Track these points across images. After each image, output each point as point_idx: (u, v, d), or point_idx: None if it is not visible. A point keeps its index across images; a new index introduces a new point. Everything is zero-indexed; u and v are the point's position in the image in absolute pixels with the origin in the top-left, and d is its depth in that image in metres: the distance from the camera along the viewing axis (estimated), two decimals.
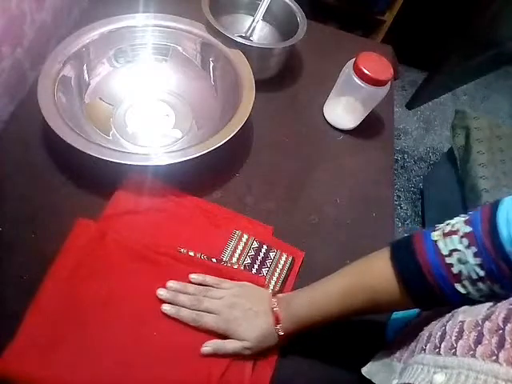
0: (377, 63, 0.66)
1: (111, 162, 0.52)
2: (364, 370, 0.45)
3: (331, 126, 0.76)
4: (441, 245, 0.38)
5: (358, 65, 0.64)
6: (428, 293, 0.39)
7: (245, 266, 0.55)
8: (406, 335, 0.44)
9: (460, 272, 0.36)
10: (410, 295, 0.41)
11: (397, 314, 0.56)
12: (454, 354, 0.31)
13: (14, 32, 0.61)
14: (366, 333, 0.54)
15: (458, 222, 0.38)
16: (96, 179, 0.59)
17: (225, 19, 0.76)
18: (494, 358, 0.27)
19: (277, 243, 0.58)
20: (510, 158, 1.40)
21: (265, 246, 0.57)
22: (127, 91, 0.69)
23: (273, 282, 0.55)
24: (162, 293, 0.50)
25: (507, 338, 0.28)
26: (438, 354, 0.32)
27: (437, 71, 1.93)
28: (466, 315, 0.34)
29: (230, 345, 0.47)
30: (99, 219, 0.55)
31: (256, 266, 0.56)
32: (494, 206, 0.36)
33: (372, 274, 0.44)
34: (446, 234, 0.38)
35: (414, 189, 1.85)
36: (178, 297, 0.50)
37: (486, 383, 0.26)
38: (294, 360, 0.51)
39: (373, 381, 0.42)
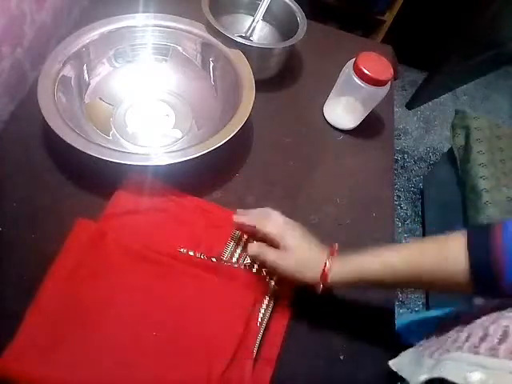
0: (377, 63, 0.66)
1: (111, 162, 0.52)
2: (391, 363, 0.45)
3: (331, 126, 0.76)
4: None
5: (358, 65, 0.64)
6: (495, 289, 0.38)
7: (245, 265, 0.55)
8: (439, 335, 0.44)
9: None
10: (475, 282, 0.40)
11: (406, 316, 0.56)
12: (495, 355, 0.31)
13: (14, 32, 0.61)
14: (367, 331, 0.54)
15: None
16: (96, 179, 0.59)
17: (225, 19, 0.76)
18: None
19: None
20: (510, 157, 1.40)
21: None
22: (127, 91, 0.69)
23: (273, 282, 0.55)
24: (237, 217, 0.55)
25: None
26: (477, 353, 0.32)
27: (437, 71, 1.93)
28: (511, 320, 0.34)
29: (272, 253, 0.49)
30: (99, 219, 0.55)
31: (256, 266, 0.55)
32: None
33: (445, 254, 0.43)
34: None
35: (414, 189, 1.85)
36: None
37: None
38: (293, 359, 0.51)
39: (400, 374, 0.42)
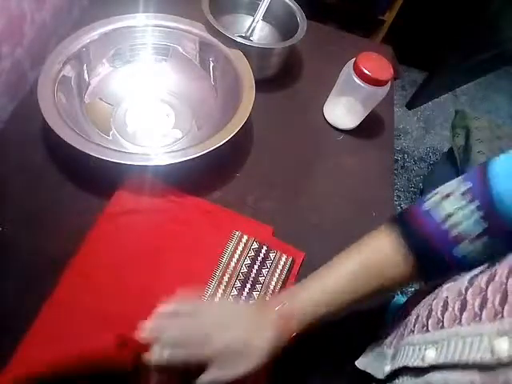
0: (377, 63, 0.66)
1: (111, 161, 0.52)
2: (357, 362, 0.45)
3: (331, 125, 0.75)
4: (437, 211, 0.38)
5: (358, 65, 0.64)
6: (434, 261, 0.39)
7: (245, 266, 0.55)
8: (394, 323, 0.44)
9: (459, 233, 0.37)
10: (419, 265, 0.40)
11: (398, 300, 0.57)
12: (442, 327, 0.31)
13: (13, 32, 0.61)
14: (366, 331, 0.54)
15: (453, 184, 0.38)
16: (96, 179, 0.59)
17: (225, 19, 0.76)
18: (478, 318, 0.28)
19: (277, 244, 0.58)
20: None
21: (265, 247, 0.57)
22: (127, 91, 0.69)
23: (273, 283, 0.55)
24: (145, 330, 0.39)
25: (489, 297, 0.28)
26: (427, 331, 0.33)
27: (437, 71, 1.93)
28: (449, 291, 0.34)
29: (237, 369, 0.39)
30: (99, 219, 0.55)
31: (256, 267, 0.56)
32: (488, 162, 0.37)
33: (378, 254, 0.43)
34: (442, 198, 0.38)
35: (414, 189, 1.85)
36: (165, 323, 0.40)
37: (472, 344, 0.27)
38: (292, 355, 0.51)
39: (367, 371, 0.42)
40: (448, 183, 0.40)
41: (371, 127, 0.77)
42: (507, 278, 0.28)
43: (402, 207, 1.78)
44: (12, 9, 0.59)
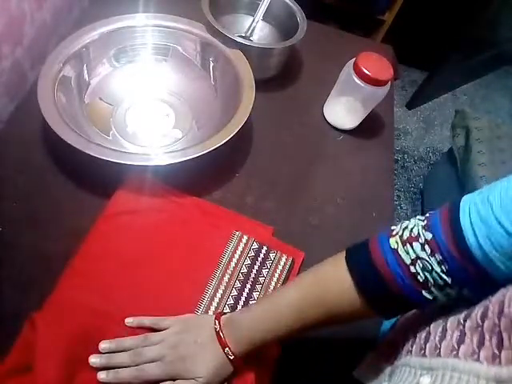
0: (377, 63, 0.66)
1: (111, 162, 0.52)
2: (356, 373, 0.45)
3: (331, 126, 0.75)
4: (402, 253, 0.36)
5: (358, 65, 0.64)
6: (392, 302, 0.37)
7: (245, 266, 0.55)
8: (393, 337, 0.44)
9: (426, 280, 0.35)
10: (372, 306, 0.39)
11: None
12: (439, 354, 0.31)
13: (13, 32, 0.61)
14: (366, 331, 0.54)
15: (416, 226, 0.36)
16: (96, 179, 0.59)
17: (225, 19, 0.76)
18: (476, 356, 0.27)
19: (277, 244, 0.58)
20: (510, 158, 1.40)
21: (265, 247, 0.57)
22: (127, 91, 0.69)
23: (273, 283, 0.55)
24: (94, 360, 0.43)
25: (486, 335, 0.27)
26: (424, 355, 0.32)
27: (437, 71, 1.93)
28: (448, 315, 0.34)
29: None
30: (99, 219, 0.55)
31: (256, 267, 0.56)
32: (454, 210, 0.34)
33: (327, 285, 0.41)
34: (405, 241, 0.36)
35: (414, 189, 1.85)
36: (114, 358, 0.44)
37: (469, 383, 0.26)
38: (290, 363, 0.51)
39: (364, 382, 0.42)
40: (409, 224, 0.37)
41: (371, 127, 0.77)
42: (499, 319, 0.27)
43: (401, 207, 1.78)
44: (12, 9, 0.59)
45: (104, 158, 0.52)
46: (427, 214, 0.37)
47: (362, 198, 0.68)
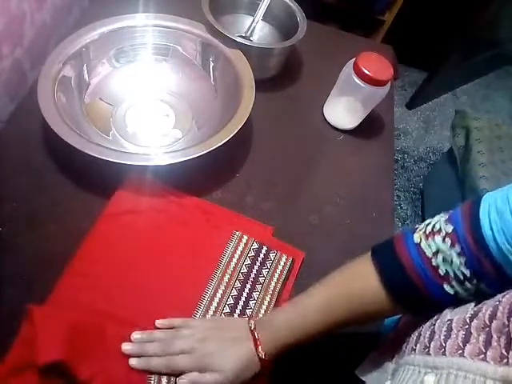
0: (377, 63, 0.66)
1: (111, 162, 0.52)
2: (358, 371, 0.45)
3: (331, 126, 0.75)
4: (424, 247, 0.37)
5: (358, 65, 0.64)
6: (416, 296, 0.38)
7: (245, 266, 0.55)
8: (397, 334, 0.44)
9: (447, 273, 0.36)
10: (397, 301, 0.40)
11: None
12: (444, 353, 0.31)
13: (13, 32, 0.61)
14: (366, 330, 0.54)
15: (439, 222, 0.38)
16: (96, 179, 0.59)
17: (225, 19, 0.76)
18: (482, 356, 0.27)
19: (277, 244, 0.58)
20: (510, 158, 1.40)
21: (265, 247, 0.57)
22: (127, 91, 0.69)
23: (273, 283, 0.55)
24: (127, 347, 0.45)
25: (494, 335, 0.27)
26: (428, 354, 0.32)
27: (437, 71, 1.93)
28: (453, 314, 0.34)
29: (208, 378, 0.43)
30: (99, 219, 0.55)
31: (256, 267, 0.56)
32: (476, 203, 0.36)
33: (356, 282, 0.43)
34: (428, 235, 0.37)
35: (414, 189, 1.85)
36: (146, 347, 0.45)
37: (475, 382, 0.26)
38: (291, 361, 0.51)
39: (366, 382, 0.42)
40: (433, 220, 0.39)
41: (371, 127, 0.77)
42: (508, 320, 0.27)
43: (401, 207, 1.78)
44: (12, 9, 0.59)
45: (104, 158, 0.52)
46: (450, 211, 0.38)
47: (362, 198, 0.68)
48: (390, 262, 0.39)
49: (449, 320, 0.33)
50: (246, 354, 0.44)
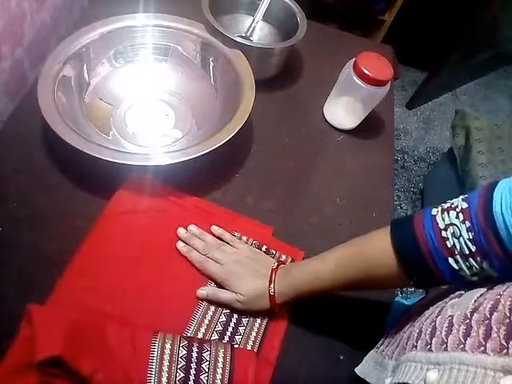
0: (377, 63, 0.66)
1: (111, 162, 0.52)
2: (357, 370, 0.45)
3: (331, 126, 0.75)
4: (439, 219, 0.39)
5: (358, 65, 0.64)
6: (421, 265, 0.40)
7: None
8: (396, 332, 0.44)
9: (454, 246, 0.37)
10: (403, 266, 0.41)
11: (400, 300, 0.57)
12: (445, 349, 0.31)
13: (14, 32, 0.61)
14: (366, 331, 0.54)
15: (457, 200, 0.40)
16: (96, 179, 0.59)
17: (225, 19, 0.76)
18: (482, 348, 0.27)
19: (276, 244, 0.58)
20: (510, 158, 1.40)
21: (264, 247, 0.57)
22: (127, 91, 0.69)
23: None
24: (181, 231, 0.55)
25: (494, 327, 0.28)
26: (430, 350, 0.33)
27: (437, 71, 1.93)
28: (454, 309, 0.34)
29: (223, 294, 0.51)
30: (99, 219, 0.55)
31: None
32: (493, 184, 0.37)
33: (370, 244, 0.46)
34: (444, 210, 0.39)
35: (414, 189, 1.85)
36: (194, 239, 0.55)
37: (476, 375, 0.26)
38: (293, 359, 0.51)
39: (367, 380, 0.42)
40: (453, 200, 0.40)
41: (371, 127, 0.77)
42: (510, 311, 0.28)
43: (401, 207, 1.78)
44: (12, 9, 0.59)
45: (104, 158, 0.52)
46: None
47: (362, 198, 0.68)
48: (404, 229, 0.42)
49: (450, 316, 0.33)
50: (261, 288, 0.50)
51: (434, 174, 1.78)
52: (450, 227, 0.38)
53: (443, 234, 0.38)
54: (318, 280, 0.48)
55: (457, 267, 0.38)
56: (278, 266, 0.52)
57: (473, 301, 0.33)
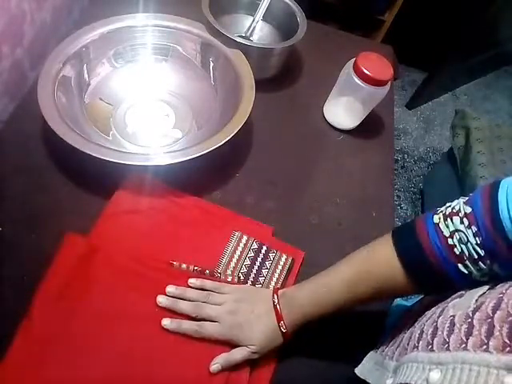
0: (377, 63, 0.66)
1: (111, 161, 0.52)
2: (357, 370, 0.45)
3: (331, 126, 0.75)
4: (442, 226, 0.38)
5: (358, 65, 0.64)
6: (431, 275, 0.39)
7: (244, 266, 0.55)
8: (397, 332, 0.44)
9: (462, 252, 0.37)
10: (412, 278, 0.41)
11: (399, 301, 0.57)
12: (447, 349, 0.31)
13: (14, 32, 0.61)
14: (367, 332, 0.54)
15: (458, 204, 0.39)
16: (96, 179, 0.59)
17: (225, 19, 0.76)
18: (485, 347, 0.27)
19: (276, 244, 0.58)
20: (510, 158, 1.40)
21: (264, 247, 0.57)
22: (127, 91, 0.69)
23: (273, 283, 0.55)
24: (161, 300, 0.48)
25: (496, 325, 0.28)
26: (432, 350, 0.33)
27: (437, 71, 1.93)
28: (456, 309, 0.34)
29: (237, 353, 0.46)
30: (99, 219, 0.55)
31: (256, 267, 0.56)
32: (494, 186, 0.37)
33: (375, 260, 0.44)
34: (447, 216, 0.39)
35: (414, 189, 1.85)
36: (178, 304, 0.48)
37: (479, 373, 0.26)
38: (293, 361, 0.51)
39: (367, 380, 0.42)
40: (453, 203, 0.40)
41: (371, 127, 0.77)
42: None
43: (401, 207, 1.78)
44: (12, 9, 0.59)
45: (104, 158, 0.52)
46: (470, 194, 0.39)
47: (362, 198, 0.68)
48: (409, 241, 0.41)
49: (451, 316, 0.33)
50: (270, 329, 0.47)
51: (434, 174, 1.78)
52: (456, 234, 0.37)
53: (449, 241, 0.38)
54: (326, 307, 0.46)
55: (467, 272, 0.38)
56: (277, 297, 0.48)
57: (474, 300, 0.33)
